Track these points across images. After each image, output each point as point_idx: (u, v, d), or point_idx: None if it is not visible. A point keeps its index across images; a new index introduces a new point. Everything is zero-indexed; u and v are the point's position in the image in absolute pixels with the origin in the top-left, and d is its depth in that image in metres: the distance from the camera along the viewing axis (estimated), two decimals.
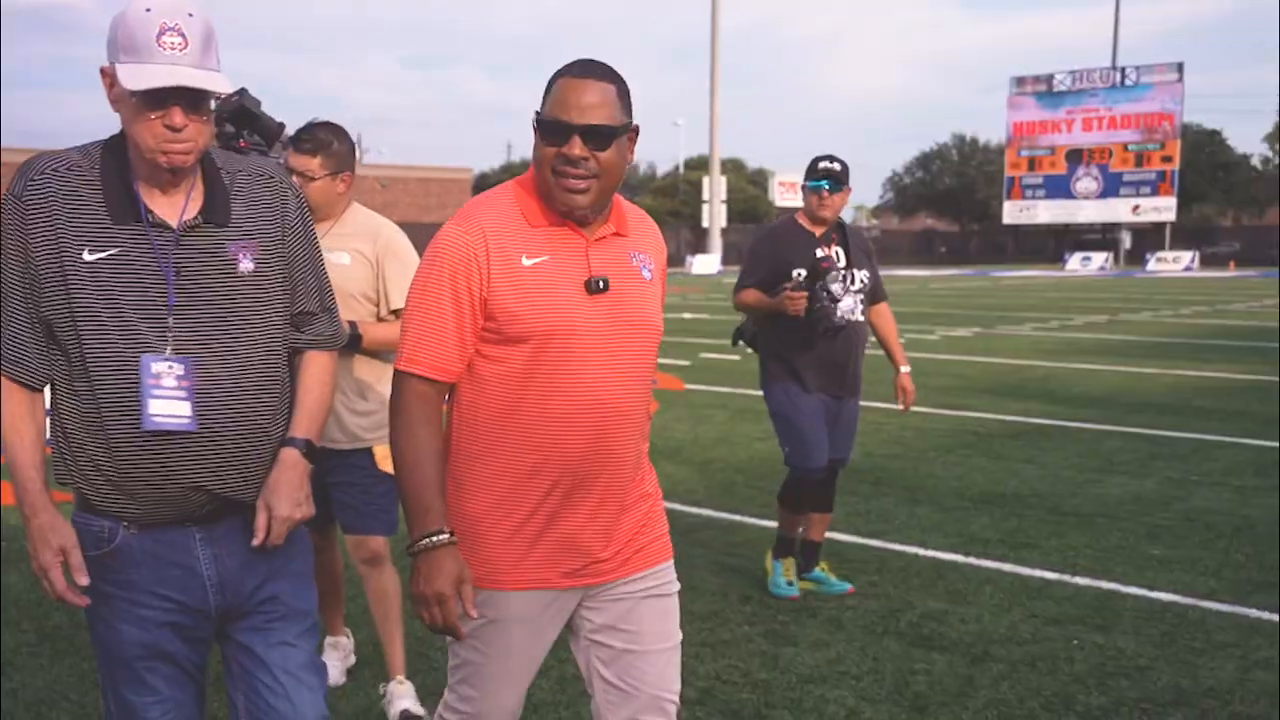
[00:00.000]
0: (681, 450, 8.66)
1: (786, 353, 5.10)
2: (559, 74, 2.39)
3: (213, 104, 2.32)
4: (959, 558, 5.85)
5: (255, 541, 2.34)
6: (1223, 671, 4.34)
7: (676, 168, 79.71)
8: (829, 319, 4.92)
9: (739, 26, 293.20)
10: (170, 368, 2.28)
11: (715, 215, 57.71)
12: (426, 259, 2.44)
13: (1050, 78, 65.65)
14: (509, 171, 76.00)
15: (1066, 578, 5.50)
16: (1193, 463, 8.20)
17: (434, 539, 2.36)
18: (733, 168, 74.71)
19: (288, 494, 2.38)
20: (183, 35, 2.18)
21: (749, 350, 5.42)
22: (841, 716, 3.97)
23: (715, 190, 57.62)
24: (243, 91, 3.41)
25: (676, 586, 2.64)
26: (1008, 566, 5.69)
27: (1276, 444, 8.79)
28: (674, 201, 72.28)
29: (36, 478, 2.33)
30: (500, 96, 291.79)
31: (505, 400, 2.41)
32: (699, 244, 61.54)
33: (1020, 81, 66.61)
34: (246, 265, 2.37)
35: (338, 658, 4.26)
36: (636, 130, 2.45)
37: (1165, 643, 4.64)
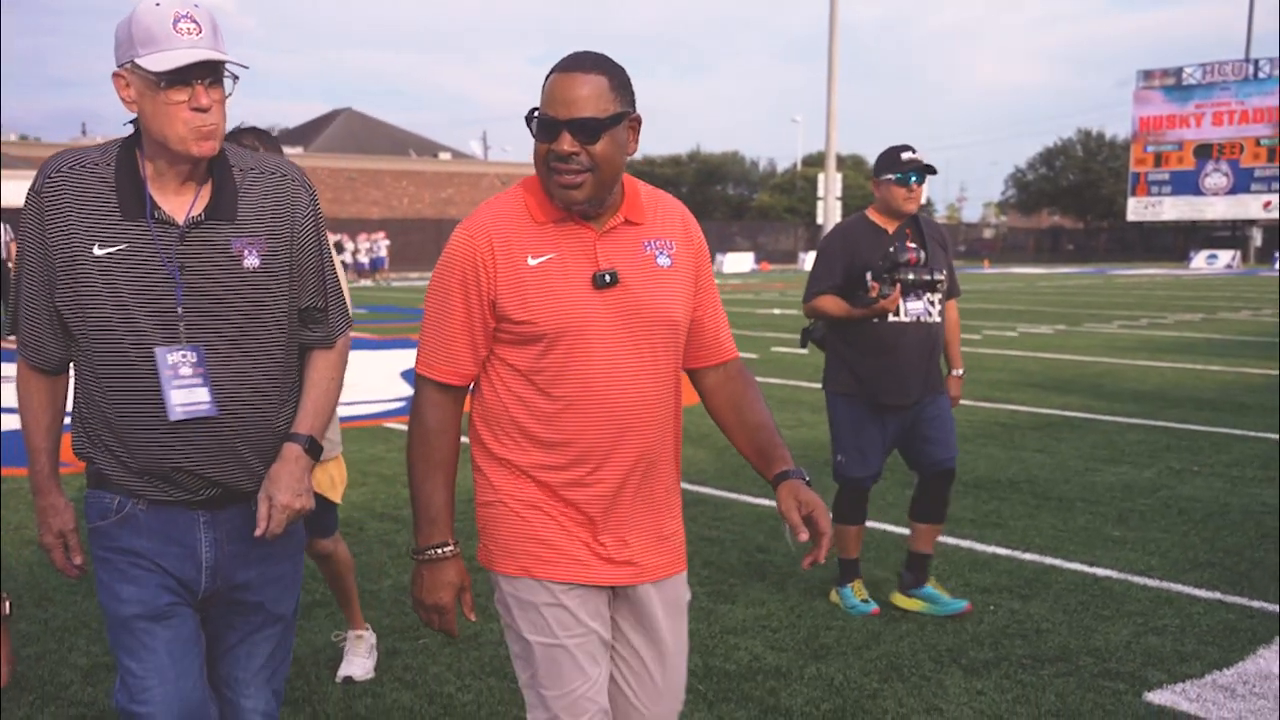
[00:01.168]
0: (710, 435, 9.09)
1: (857, 361, 4.94)
2: (552, 69, 2.38)
3: (229, 85, 2.39)
4: None
5: (257, 531, 2.41)
6: (1115, 635, 4.70)
7: (795, 164, 79.68)
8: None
9: (868, 22, 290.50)
10: (184, 356, 2.38)
11: (830, 211, 57.37)
12: (439, 265, 2.47)
13: (1179, 71, 64.15)
14: (629, 166, 76.82)
15: (1017, 554, 5.87)
16: (1203, 455, 8.39)
17: (439, 551, 2.45)
18: (852, 164, 74.36)
19: (288, 484, 2.44)
20: (195, 21, 2.30)
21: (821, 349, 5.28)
22: (745, 661, 4.45)
23: (830, 186, 57.34)
24: None
25: (689, 595, 2.69)
26: (966, 543, 6.06)
27: None
28: (791, 198, 72.36)
29: (46, 462, 2.52)
30: None
31: (521, 398, 2.44)
32: (814, 240, 61.61)
33: (1148, 75, 65.21)
34: (252, 261, 2.43)
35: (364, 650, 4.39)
36: (637, 120, 2.43)
37: (1077, 610, 5.00)
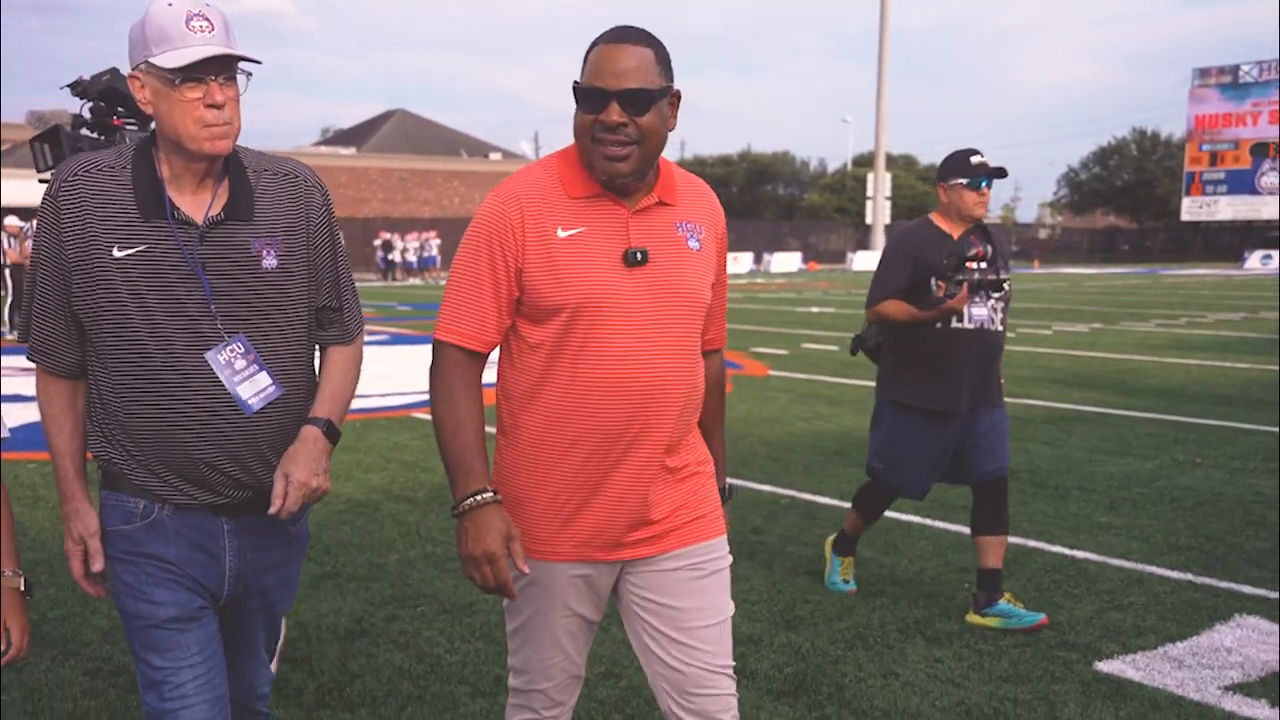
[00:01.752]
0: (729, 427, 9.38)
1: (913, 367, 4.84)
2: (596, 41, 2.38)
3: (242, 84, 2.41)
4: (916, 519, 6.45)
5: (271, 510, 2.35)
6: (1079, 611, 4.90)
7: (845, 164, 79.57)
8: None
9: (920, 23, 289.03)
10: (233, 350, 2.40)
11: (879, 212, 57.73)
12: (468, 232, 2.47)
13: (1235, 69, 63.48)
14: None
15: None
16: (1209, 448, 8.52)
17: (479, 497, 2.36)
18: (903, 164, 74.25)
19: (306, 463, 2.39)
20: (208, 19, 2.33)
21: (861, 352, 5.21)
22: None
23: (879, 186, 57.62)
24: (114, 71, 3.58)
25: (727, 561, 2.62)
26: (955, 527, 6.26)
27: None
28: (840, 198, 72.30)
29: (70, 466, 2.50)
30: None
31: (542, 373, 2.44)
32: (864, 241, 61.58)
33: (1203, 73, 64.59)
34: (270, 261, 2.44)
35: None
36: (678, 94, 2.43)
37: (1048, 589, 5.21)
